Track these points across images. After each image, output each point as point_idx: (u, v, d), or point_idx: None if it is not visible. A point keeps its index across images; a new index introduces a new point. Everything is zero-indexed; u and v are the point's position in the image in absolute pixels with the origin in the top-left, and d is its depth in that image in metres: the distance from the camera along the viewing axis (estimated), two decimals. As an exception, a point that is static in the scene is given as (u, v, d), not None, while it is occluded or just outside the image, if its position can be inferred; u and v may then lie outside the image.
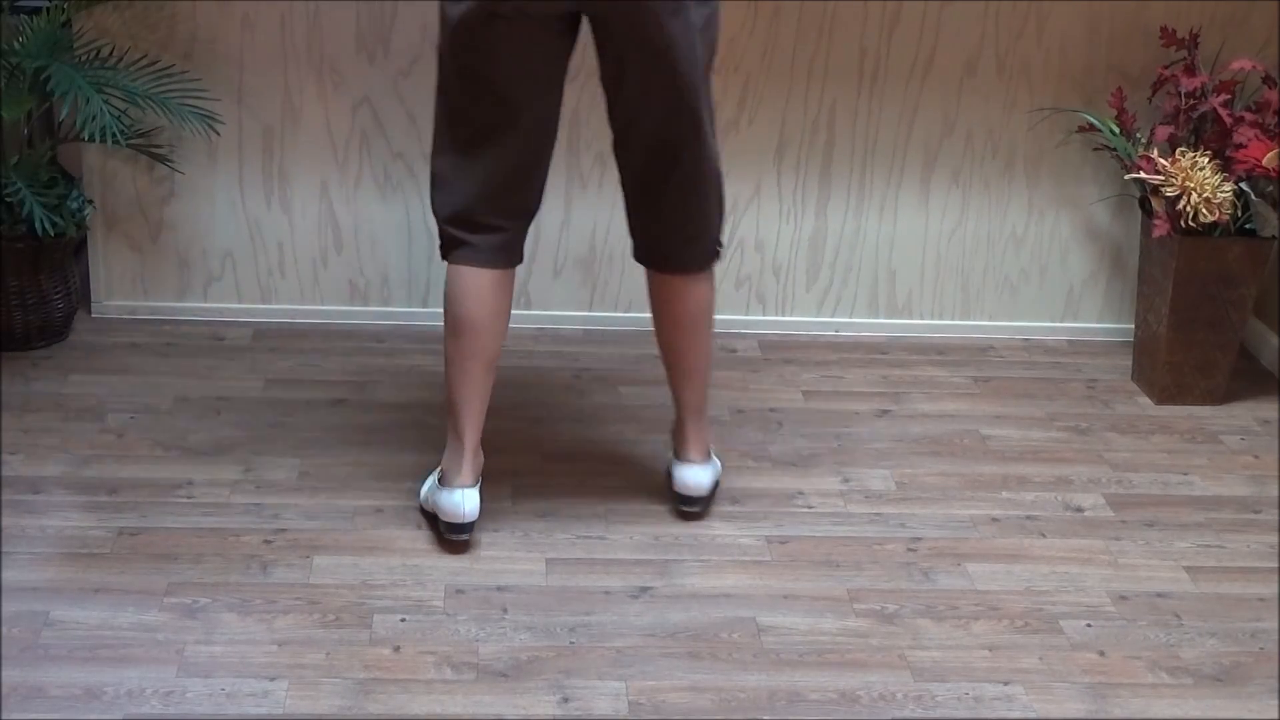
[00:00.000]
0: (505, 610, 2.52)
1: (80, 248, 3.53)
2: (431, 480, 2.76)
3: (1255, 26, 3.51)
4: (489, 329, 2.62)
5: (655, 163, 2.59)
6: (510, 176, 2.59)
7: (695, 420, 2.80)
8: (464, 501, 2.64)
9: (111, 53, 3.30)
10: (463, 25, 2.46)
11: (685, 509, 2.82)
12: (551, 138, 2.60)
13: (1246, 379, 3.53)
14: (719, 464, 2.91)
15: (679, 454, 2.83)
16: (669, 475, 2.86)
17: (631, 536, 2.76)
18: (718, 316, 3.66)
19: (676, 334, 2.74)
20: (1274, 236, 3.30)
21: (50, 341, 3.40)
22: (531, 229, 3.57)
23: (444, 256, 2.65)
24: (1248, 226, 3.29)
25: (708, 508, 2.83)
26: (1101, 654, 2.49)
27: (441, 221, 2.62)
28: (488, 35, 2.45)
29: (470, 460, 2.65)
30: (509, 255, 2.64)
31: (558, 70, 2.55)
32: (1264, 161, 3.15)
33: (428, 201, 3.51)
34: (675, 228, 2.65)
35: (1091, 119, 3.47)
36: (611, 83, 2.56)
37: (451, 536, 2.67)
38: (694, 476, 2.80)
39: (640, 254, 2.72)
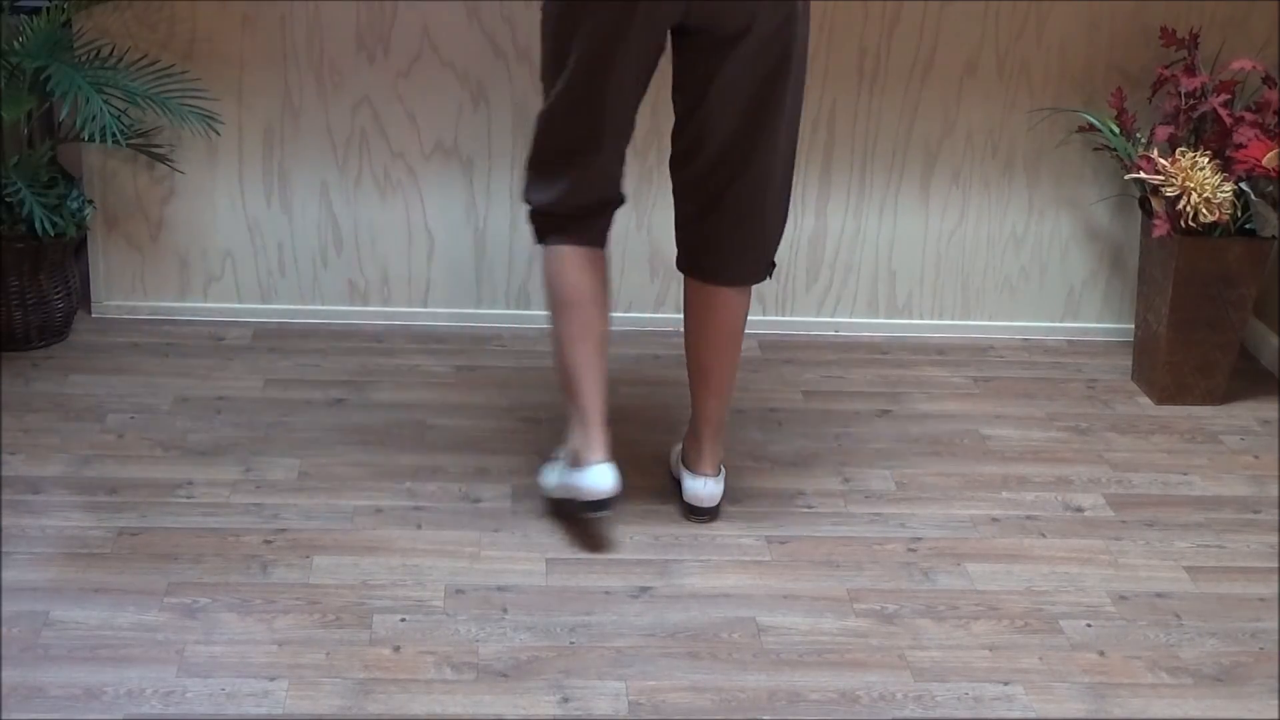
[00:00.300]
0: (505, 610, 2.52)
1: (80, 248, 3.53)
2: (555, 467, 2.78)
3: (1255, 26, 3.51)
4: (596, 302, 2.66)
5: (722, 170, 2.60)
6: (600, 177, 2.64)
7: (713, 434, 2.80)
8: (604, 476, 2.63)
9: (111, 53, 3.30)
10: (571, 28, 2.49)
11: (694, 519, 2.82)
12: (630, 136, 2.64)
13: (1246, 379, 3.53)
14: (723, 475, 2.91)
15: (691, 466, 2.82)
16: (678, 483, 2.86)
17: (631, 536, 2.76)
18: (718, 316, 3.68)
19: (710, 347, 2.74)
20: (1274, 236, 3.30)
21: (50, 341, 3.40)
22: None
23: (538, 241, 2.70)
24: (1248, 226, 3.29)
25: (716, 516, 2.83)
26: (1101, 654, 2.49)
27: (534, 210, 2.68)
28: (589, 27, 2.47)
29: (600, 435, 2.66)
30: (603, 236, 2.69)
31: (648, 76, 2.56)
32: (1264, 161, 3.15)
33: (427, 201, 3.53)
34: (735, 239, 2.66)
35: (1091, 119, 3.47)
36: (697, 87, 2.55)
37: (593, 514, 2.67)
38: (705, 489, 2.80)
39: (687, 263, 2.73)
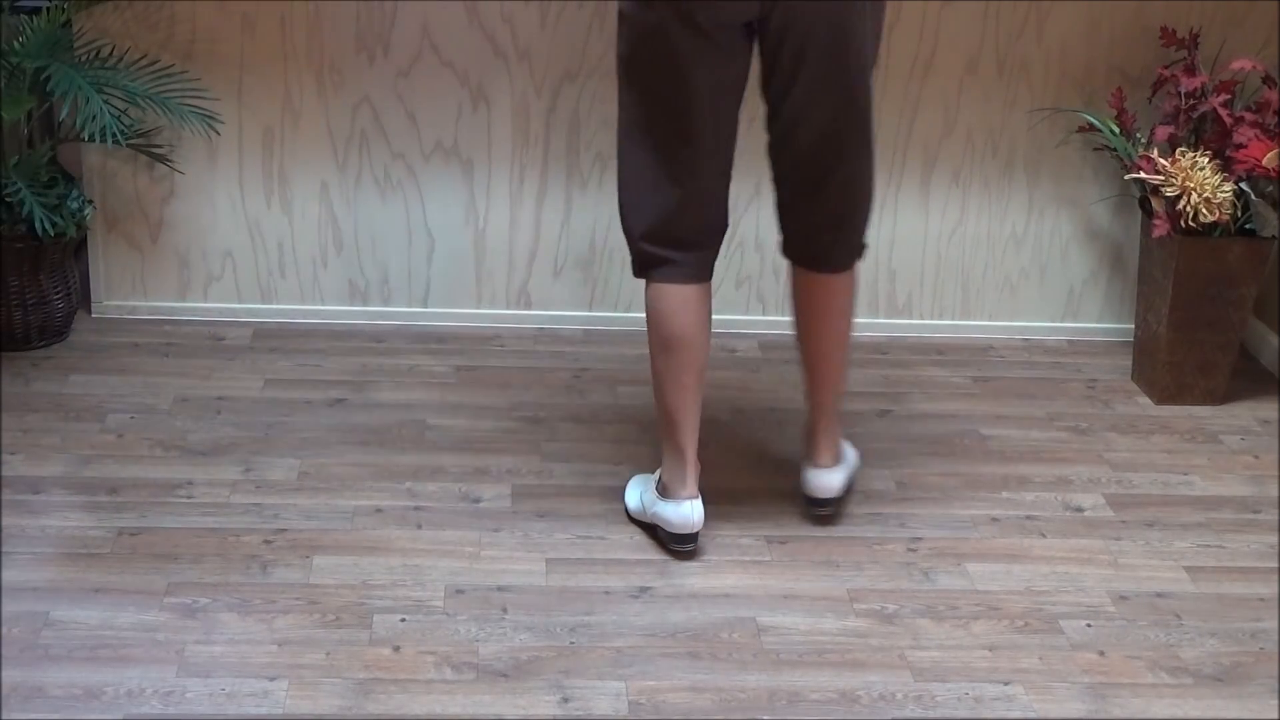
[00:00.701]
0: (505, 610, 2.52)
1: (80, 248, 3.53)
2: (641, 491, 2.78)
3: (1255, 26, 3.51)
4: (698, 342, 2.64)
5: (819, 161, 2.60)
6: (705, 196, 2.61)
7: (828, 422, 2.79)
8: (692, 512, 2.67)
9: (111, 53, 3.30)
10: (645, 36, 2.47)
11: (816, 511, 2.82)
12: (732, 152, 2.61)
13: (1246, 379, 3.53)
14: (854, 458, 2.91)
15: (810, 457, 2.81)
16: (800, 477, 2.86)
17: (631, 536, 2.76)
18: (718, 316, 3.67)
19: (820, 334, 2.74)
20: (1274, 236, 3.29)
21: (50, 341, 3.40)
22: (531, 228, 3.59)
23: (640, 274, 2.65)
24: (1248, 226, 3.29)
25: (841, 508, 2.82)
26: (1101, 654, 2.49)
27: (639, 240, 2.62)
28: (670, 45, 2.45)
29: (692, 471, 2.68)
30: (707, 269, 2.65)
31: (739, 81, 2.55)
32: (1264, 161, 3.15)
33: (427, 201, 3.53)
34: (831, 225, 2.66)
35: (1091, 119, 3.47)
36: (782, 84, 2.54)
37: (679, 547, 2.70)
38: (825, 480, 2.80)
39: (791, 251, 2.72)
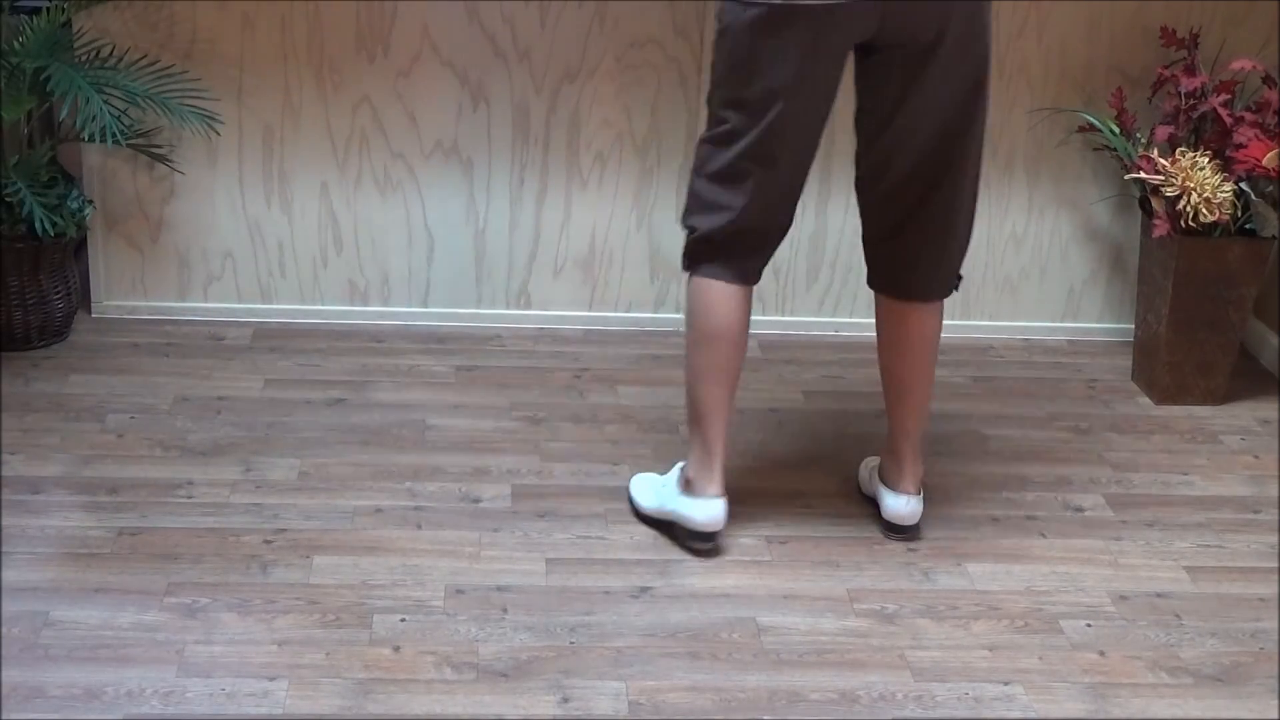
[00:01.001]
0: (505, 610, 2.52)
1: (80, 248, 3.53)
2: (656, 488, 2.77)
3: (1255, 26, 3.51)
4: (737, 342, 2.62)
5: (916, 187, 2.57)
6: (778, 199, 2.59)
7: (914, 451, 2.77)
8: (718, 510, 2.66)
9: (111, 53, 3.30)
10: (755, 54, 2.43)
11: (894, 536, 2.80)
12: (813, 158, 2.59)
13: (1246, 379, 3.53)
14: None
15: (892, 484, 2.79)
16: (871, 500, 2.85)
17: (631, 536, 2.76)
18: (718, 316, 3.67)
19: (905, 362, 2.73)
20: (1274, 236, 3.30)
21: (50, 341, 3.40)
22: (531, 228, 3.59)
23: (689, 268, 2.63)
24: (1248, 226, 3.29)
25: (917, 535, 2.81)
26: (1101, 654, 2.49)
27: (697, 236, 2.60)
28: (780, 65, 2.43)
29: (720, 470, 2.67)
30: (758, 274, 2.64)
31: (830, 104, 2.52)
32: (1264, 161, 3.15)
33: (427, 201, 3.53)
34: (929, 255, 2.64)
35: (1091, 119, 3.47)
36: (887, 107, 2.51)
37: (698, 545, 2.69)
38: (907, 508, 2.78)
39: (879, 282, 2.71)
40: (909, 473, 2.78)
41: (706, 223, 2.58)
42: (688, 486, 2.69)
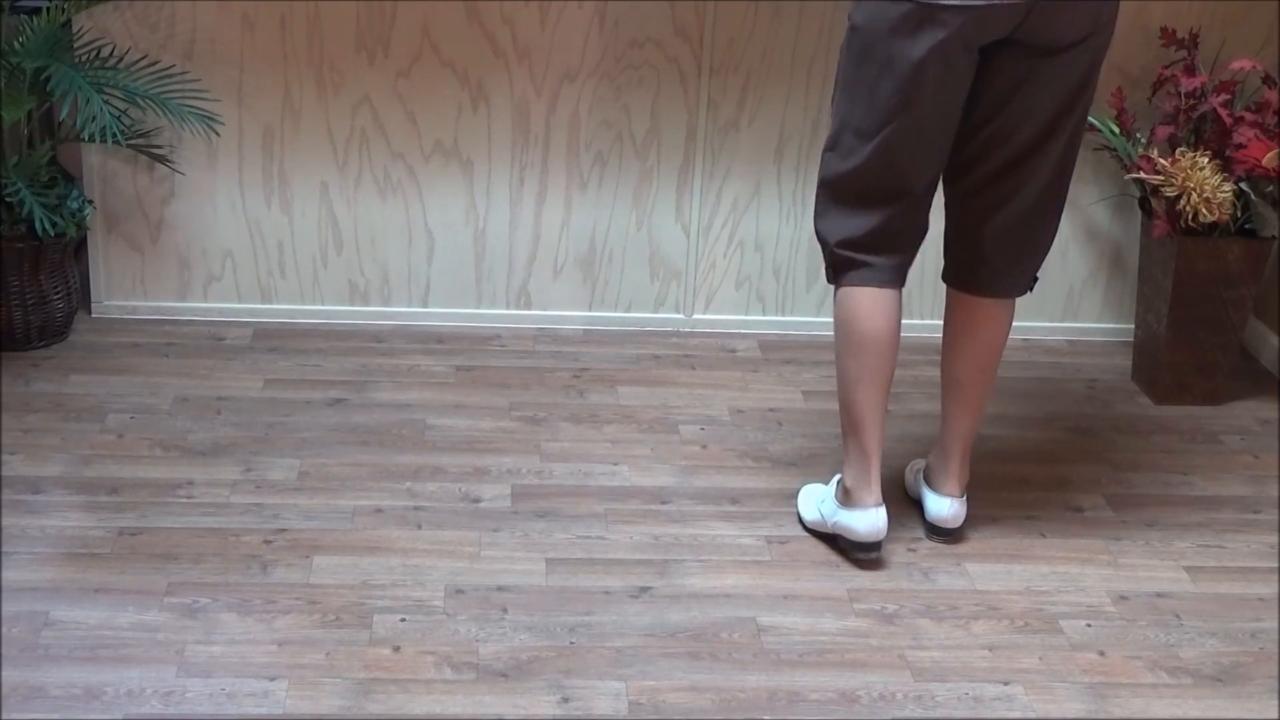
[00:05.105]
0: (505, 610, 2.52)
1: (80, 248, 3.53)
2: (818, 501, 2.76)
3: (1255, 26, 3.51)
4: (889, 345, 2.60)
5: (1008, 182, 2.56)
6: (912, 206, 2.57)
7: (963, 453, 2.76)
8: (879, 519, 2.65)
9: (111, 53, 3.30)
10: (892, 56, 2.41)
11: (936, 539, 2.79)
12: (946, 156, 2.56)
13: (1246, 379, 3.53)
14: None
15: (936, 485, 2.79)
16: (916, 502, 2.85)
17: (631, 536, 2.77)
18: (716, 316, 3.68)
19: (970, 361, 2.71)
20: (1274, 236, 3.30)
21: (50, 341, 3.40)
22: (531, 228, 3.60)
23: (834, 279, 2.62)
24: (1248, 226, 3.29)
25: (960, 539, 2.80)
26: (1101, 654, 2.49)
27: (835, 246, 2.59)
28: (919, 66, 2.41)
29: (877, 477, 2.65)
30: (903, 276, 2.62)
31: (966, 90, 2.49)
32: (1264, 161, 3.15)
33: (427, 201, 3.53)
34: (1009, 252, 2.63)
35: (1091, 119, 3.46)
36: (997, 98, 2.49)
37: (864, 555, 2.68)
38: (951, 510, 2.77)
39: (955, 276, 2.70)
40: (955, 475, 2.77)
41: (839, 231, 2.57)
42: (846, 497, 2.67)
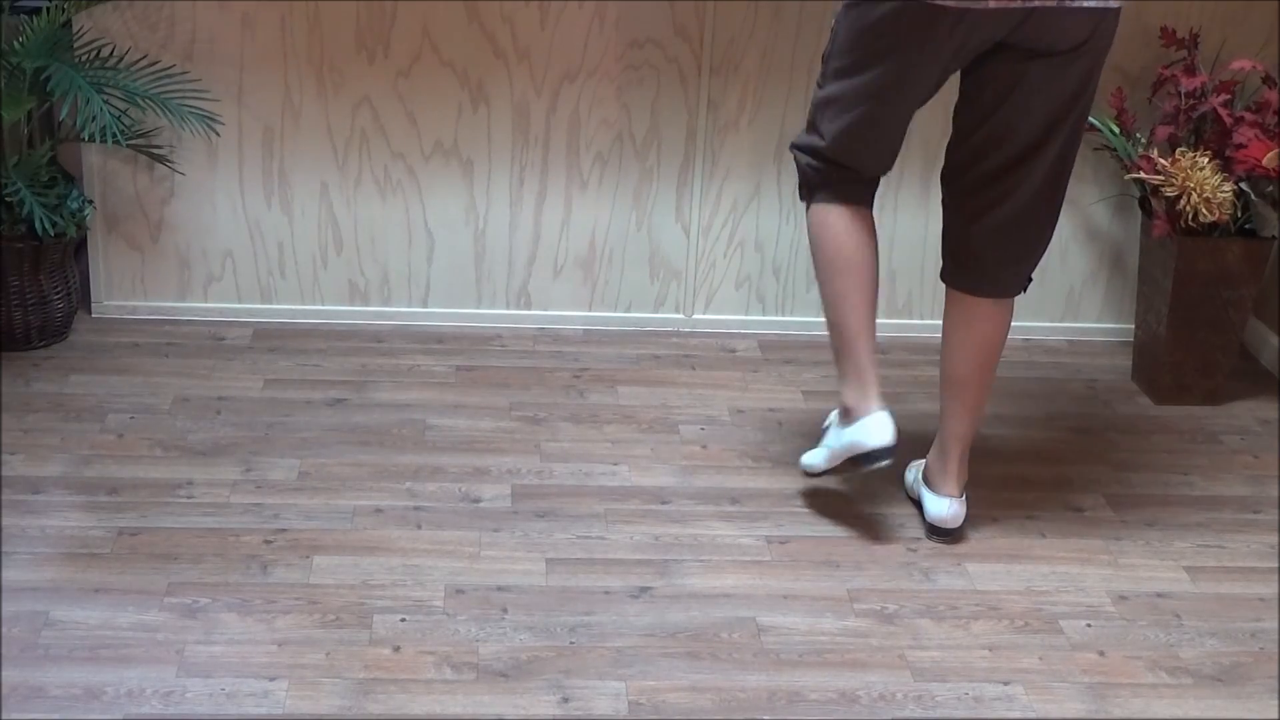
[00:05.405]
0: (505, 610, 2.52)
1: (80, 248, 3.53)
2: (825, 443, 2.78)
3: (1255, 26, 3.51)
4: (865, 260, 2.64)
5: (1004, 182, 2.59)
6: (876, 146, 2.62)
7: (961, 453, 2.77)
8: (884, 423, 2.63)
9: (111, 53, 3.30)
10: (883, 25, 2.46)
11: (936, 539, 2.80)
12: (913, 113, 2.63)
13: (1246, 379, 3.53)
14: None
15: (935, 486, 2.79)
16: (915, 503, 2.86)
17: (631, 536, 2.77)
18: (716, 316, 3.68)
19: (967, 360, 2.73)
20: (1274, 236, 3.30)
21: (50, 341, 3.40)
22: (531, 228, 3.60)
23: (804, 198, 2.69)
24: (1248, 226, 3.29)
25: (959, 539, 2.80)
26: (1101, 654, 2.49)
27: (803, 154, 2.66)
28: (907, 56, 2.47)
29: (876, 385, 2.66)
30: (869, 197, 2.68)
31: (942, 81, 2.57)
32: (1264, 161, 3.15)
33: (427, 201, 3.53)
34: (1004, 251, 2.66)
35: (1091, 119, 3.46)
36: (993, 99, 2.53)
37: (874, 464, 2.65)
38: (950, 511, 2.78)
39: (953, 275, 2.72)
40: (953, 475, 2.78)
41: (813, 141, 2.63)
42: (848, 415, 2.68)
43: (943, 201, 2.71)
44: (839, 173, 2.64)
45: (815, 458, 2.81)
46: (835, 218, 2.64)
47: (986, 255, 2.66)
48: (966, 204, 2.65)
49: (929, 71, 2.51)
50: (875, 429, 2.64)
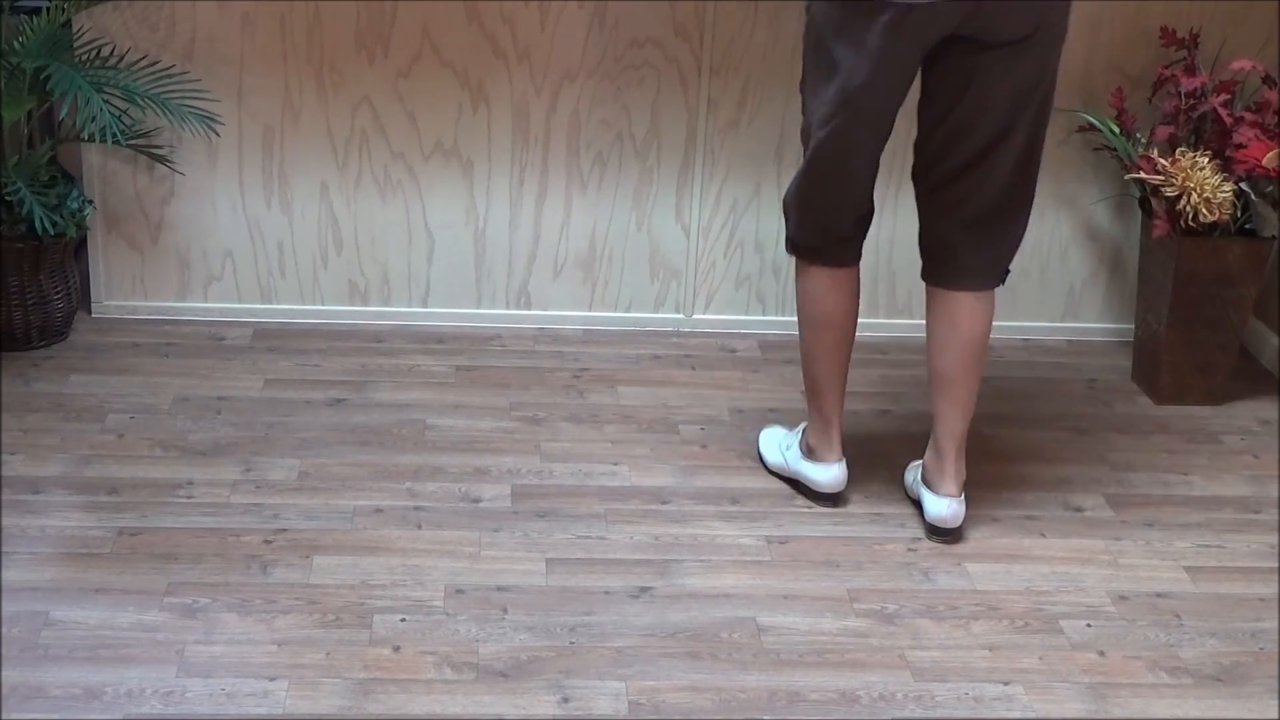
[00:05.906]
0: (505, 610, 2.52)
1: (80, 248, 3.53)
2: (782, 446, 2.96)
3: (1255, 26, 3.51)
4: (843, 323, 2.79)
5: (971, 177, 2.62)
6: (851, 192, 2.69)
7: (957, 451, 2.78)
8: (839, 473, 2.86)
9: (111, 53, 3.30)
10: (835, 27, 2.51)
11: (936, 539, 2.80)
12: (883, 147, 2.68)
13: (1246, 379, 3.53)
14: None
15: (934, 486, 2.79)
16: (915, 504, 2.86)
17: (631, 536, 2.77)
18: (716, 316, 3.68)
19: (956, 357, 2.74)
20: (1274, 236, 3.30)
21: (50, 341, 3.40)
22: (531, 228, 3.60)
23: (790, 252, 2.79)
24: (1248, 226, 3.29)
25: (960, 538, 2.81)
26: (1101, 654, 2.49)
27: (798, 226, 2.75)
28: (871, 58, 2.49)
29: (838, 438, 2.85)
30: (854, 255, 2.77)
31: (907, 87, 2.59)
32: (1264, 161, 3.15)
33: (427, 201, 3.53)
34: (977, 244, 2.68)
35: (1091, 119, 3.47)
36: (953, 94, 2.57)
37: (823, 504, 2.88)
38: (949, 510, 2.78)
39: (931, 271, 2.75)
40: (951, 474, 2.78)
41: (793, 216, 2.74)
42: (810, 453, 2.87)
43: (916, 200, 2.74)
44: (821, 238, 2.72)
45: (771, 453, 2.97)
46: (815, 282, 2.77)
47: (962, 249, 2.69)
48: (937, 199, 2.69)
49: (892, 69, 2.51)
50: (826, 478, 2.86)
